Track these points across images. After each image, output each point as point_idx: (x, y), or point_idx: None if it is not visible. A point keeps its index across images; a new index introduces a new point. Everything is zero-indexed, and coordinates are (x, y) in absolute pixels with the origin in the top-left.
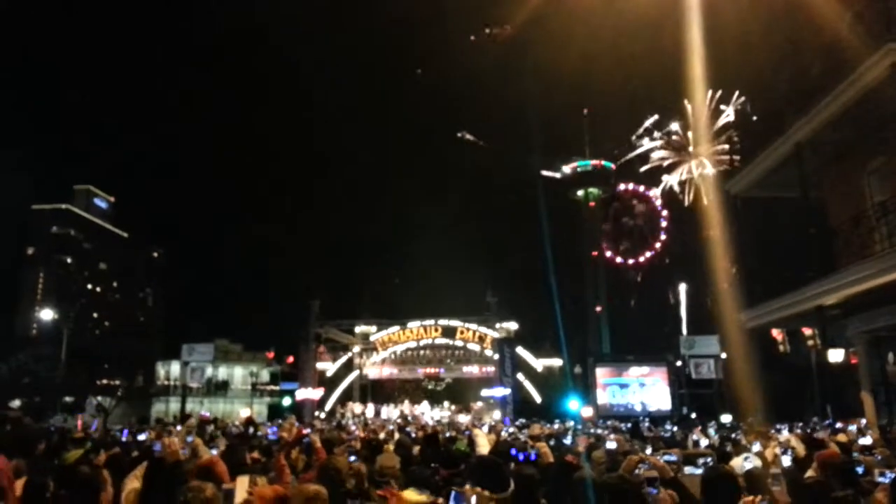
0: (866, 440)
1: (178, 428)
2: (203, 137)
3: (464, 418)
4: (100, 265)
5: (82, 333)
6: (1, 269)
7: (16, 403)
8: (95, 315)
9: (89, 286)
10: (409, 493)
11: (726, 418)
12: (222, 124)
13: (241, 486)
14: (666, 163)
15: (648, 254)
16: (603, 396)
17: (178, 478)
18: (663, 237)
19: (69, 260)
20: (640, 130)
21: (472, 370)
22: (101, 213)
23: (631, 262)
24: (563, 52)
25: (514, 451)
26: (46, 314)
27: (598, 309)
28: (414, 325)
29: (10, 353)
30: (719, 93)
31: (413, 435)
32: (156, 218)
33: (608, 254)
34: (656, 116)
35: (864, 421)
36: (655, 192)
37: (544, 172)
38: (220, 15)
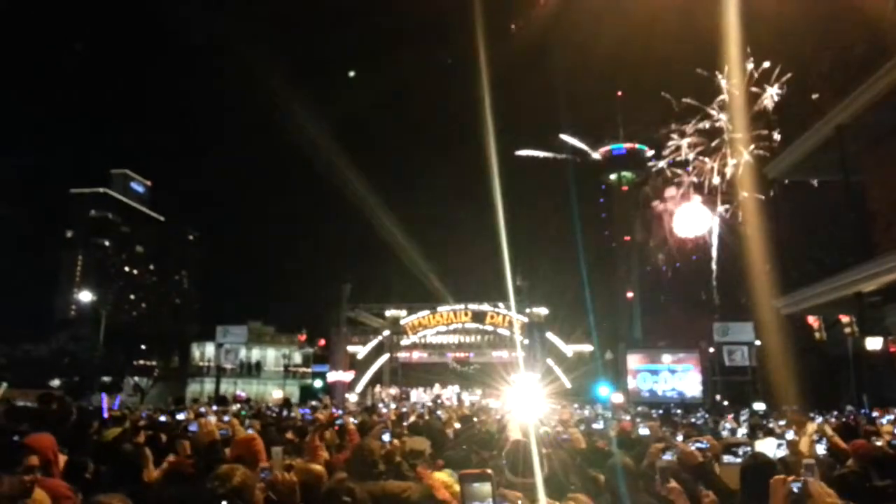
0: None
1: (215, 408)
2: (237, 122)
3: (494, 403)
4: (137, 248)
5: (119, 315)
6: (41, 252)
7: (55, 383)
8: (132, 297)
9: (126, 269)
10: (442, 474)
11: (759, 406)
12: (256, 109)
13: (276, 458)
14: (696, 150)
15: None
16: (633, 383)
17: (216, 456)
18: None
19: (107, 243)
20: (673, 124)
21: (502, 355)
22: (138, 197)
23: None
24: (597, 34)
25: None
26: (85, 296)
27: (630, 295)
28: (444, 309)
29: (50, 334)
30: (756, 75)
31: (442, 417)
32: (191, 201)
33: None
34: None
35: None
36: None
37: (523, 153)
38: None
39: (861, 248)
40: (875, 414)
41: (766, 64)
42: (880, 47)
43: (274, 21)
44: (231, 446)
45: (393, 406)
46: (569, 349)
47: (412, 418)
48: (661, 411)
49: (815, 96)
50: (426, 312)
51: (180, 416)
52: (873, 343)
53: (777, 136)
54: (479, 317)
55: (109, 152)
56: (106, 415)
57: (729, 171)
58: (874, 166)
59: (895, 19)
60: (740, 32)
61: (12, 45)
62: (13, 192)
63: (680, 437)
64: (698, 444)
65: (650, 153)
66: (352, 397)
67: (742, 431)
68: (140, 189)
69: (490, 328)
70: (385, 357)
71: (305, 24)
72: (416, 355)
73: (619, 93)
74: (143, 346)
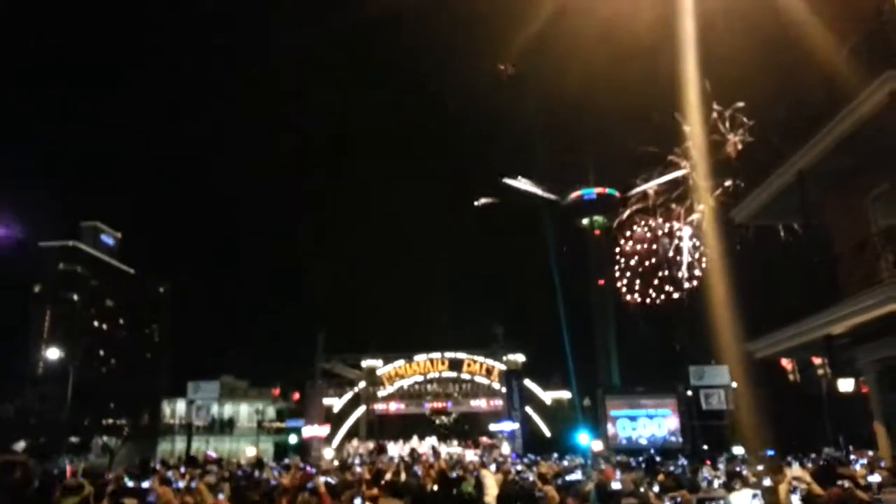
0: (875, 478)
1: (183, 470)
2: (207, 174)
3: (471, 455)
4: (106, 302)
5: (88, 372)
6: (8, 308)
7: (20, 445)
8: (102, 353)
9: (95, 323)
10: None
11: (738, 450)
12: (227, 160)
13: None
14: (661, 198)
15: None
16: (613, 429)
17: None
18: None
19: (76, 297)
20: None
21: (480, 404)
22: (107, 249)
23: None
24: (565, 82)
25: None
26: (52, 353)
27: (606, 339)
28: (420, 358)
29: (16, 392)
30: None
31: (419, 473)
32: (162, 254)
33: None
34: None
35: (871, 453)
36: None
37: (508, 181)
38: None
39: (829, 291)
40: (852, 456)
41: (729, 111)
42: (836, 95)
43: (241, 74)
44: None
45: (368, 461)
46: (547, 396)
47: (388, 475)
48: (640, 459)
49: (775, 142)
50: (402, 362)
51: (145, 485)
52: (845, 385)
53: (734, 183)
54: (456, 365)
55: (78, 204)
56: (68, 480)
57: (695, 216)
58: (836, 211)
59: (850, 69)
60: (700, 80)
61: None
62: None
63: (656, 488)
64: (673, 502)
65: (619, 196)
66: (328, 452)
67: (720, 480)
68: (110, 241)
69: (467, 377)
70: (361, 409)
71: (281, 67)
72: (394, 406)
73: (589, 139)
74: (112, 405)
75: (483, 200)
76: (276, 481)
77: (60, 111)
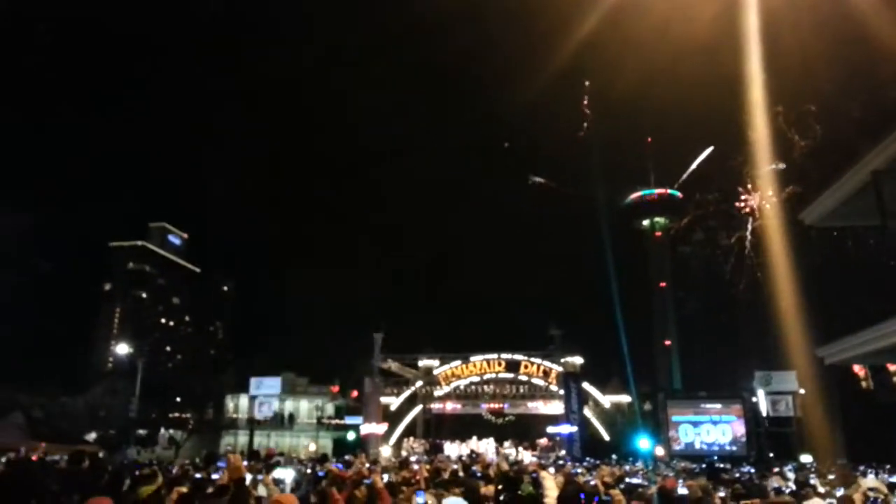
0: None
1: (246, 463)
2: (272, 175)
3: (528, 456)
4: (173, 300)
5: (155, 367)
6: (80, 305)
7: (91, 436)
8: (168, 349)
9: (163, 320)
10: None
11: (806, 458)
12: (289, 161)
13: None
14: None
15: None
16: (675, 435)
17: (243, 495)
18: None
19: (144, 295)
20: (694, 166)
21: (538, 406)
22: (174, 249)
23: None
24: (622, 81)
25: (582, 496)
26: (122, 348)
27: (668, 343)
28: (477, 358)
29: (87, 386)
30: (784, 119)
31: (479, 474)
32: (227, 253)
33: None
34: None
35: None
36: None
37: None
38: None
39: None
40: None
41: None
42: None
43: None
44: None
45: (425, 460)
46: (606, 399)
47: (445, 475)
48: (703, 465)
49: (848, 140)
50: (459, 362)
51: (215, 476)
52: None
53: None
54: (512, 366)
55: (147, 205)
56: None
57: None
58: None
59: None
60: (764, 77)
61: (51, 93)
62: (54, 246)
63: (722, 493)
64: None
65: (682, 198)
66: (385, 450)
67: (789, 489)
68: (177, 241)
69: (525, 378)
70: (418, 408)
71: (331, 71)
72: (450, 406)
73: (649, 139)
74: (178, 399)
75: (537, 179)
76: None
77: (130, 115)
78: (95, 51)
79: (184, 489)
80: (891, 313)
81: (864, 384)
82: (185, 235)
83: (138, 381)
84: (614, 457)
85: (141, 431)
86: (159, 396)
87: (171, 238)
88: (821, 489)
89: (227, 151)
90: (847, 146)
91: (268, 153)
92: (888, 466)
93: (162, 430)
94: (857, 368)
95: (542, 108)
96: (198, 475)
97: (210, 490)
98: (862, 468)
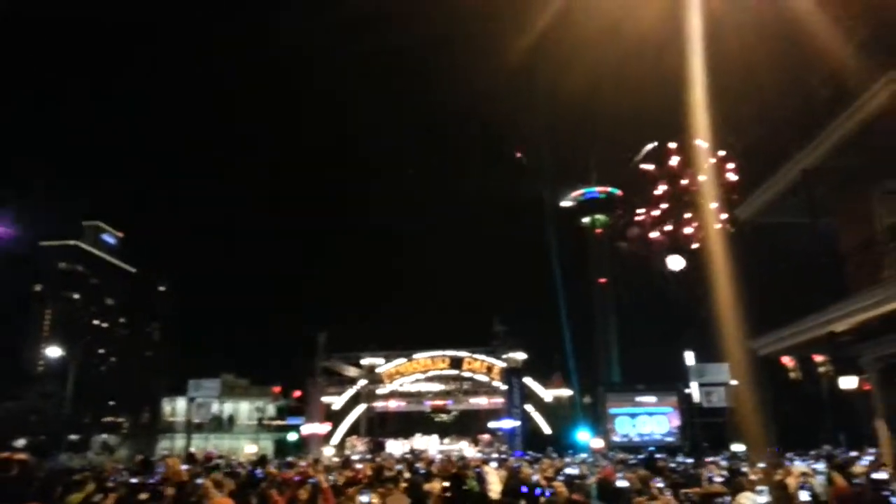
0: (881, 475)
1: (185, 467)
2: (209, 174)
3: (471, 452)
4: (107, 301)
5: (88, 370)
6: (8, 306)
7: (20, 442)
8: (102, 351)
9: (96, 322)
10: None
11: (739, 447)
12: (227, 160)
13: None
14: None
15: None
16: (612, 427)
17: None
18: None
19: (76, 296)
20: (640, 156)
21: (481, 402)
22: (108, 248)
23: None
24: (569, 78)
25: (524, 489)
26: (53, 351)
27: (608, 337)
28: (421, 356)
29: (17, 390)
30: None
31: (422, 471)
32: (163, 253)
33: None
34: (655, 143)
35: (875, 450)
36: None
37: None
38: (226, 47)
39: (833, 289)
40: (853, 453)
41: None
42: (843, 91)
43: (243, 72)
44: None
45: (367, 458)
46: (548, 394)
47: (390, 473)
48: (640, 457)
49: (780, 140)
50: (403, 360)
51: (151, 481)
52: (847, 382)
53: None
54: (456, 363)
55: (80, 204)
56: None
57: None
58: (841, 208)
59: (854, 68)
60: (706, 78)
61: None
62: None
63: (660, 483)
64: (686, 498)
65: (622, 196)
66: (328, 450)
67: (722, 476)
68: (111, 241)
69: (468, 374)
70: (362, 407)
71: (284, 63)
72: (394, 404)
73: (592, 138)
74: (112, 402)
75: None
76: (262, 474)
77: (61, 111)
78: (28, 41)
79: (118, 495)
80: (818, 307)
81: (792, 375)
82: (120, 234)
83: (70, 385)
84: (550, 449)
85: (73, 436)
86: (93, 400)
87: (105, 237)
88: (752, 476)
89: (164, 148)
90: (781, 145)
91: (207, 151)
92: (813, 453)
93: (95, 435)
94: (786, 360)
95: (491, 105)
96: (133, 480)
97: (144, 496)
98: (790, 455)
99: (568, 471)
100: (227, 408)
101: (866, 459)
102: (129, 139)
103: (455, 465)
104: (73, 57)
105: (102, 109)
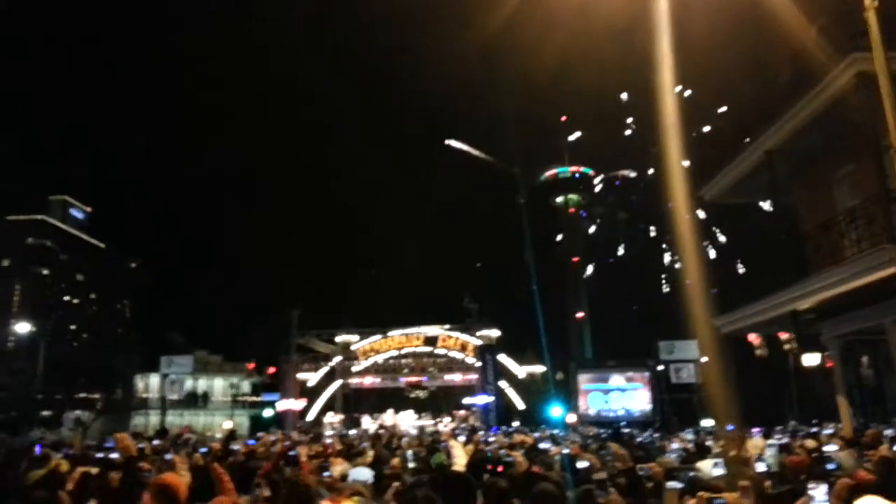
0: (830, 447)
1: (156, 442)
2: (179, 146)
3: (445, 427)
4: (77, 276)
5: (59, 346)
6: None
7: None
8: (73, 327)
9: (66, 298)
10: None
11: (708, 423)
12: (198, 134)
13: None
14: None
15: None
16: (585, 403)
17: (134, 476)
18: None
19: (45, 272)
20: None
21: (455, 378)
22: (77, 223)
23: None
24: (540, 58)
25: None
26: (22, 327)
27: (580, 315)
28: (395, 333)
29: None
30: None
31: (392, 446)
32: (133, 228)
33: None
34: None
35: (839, 425)
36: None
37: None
38: (194, 16)
39: (795, 268)
40: (814, 429)
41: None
42: (805, 74)
43: (212, 49)
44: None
45: (339, 434)
46: (521, 370)
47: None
48: (609, 431)
49: (745, 121)
50: (378, 337)
51: (114, 455)
52: (810, 359)
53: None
54: (430, 340)
55: (47, 178)
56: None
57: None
58: (803, 190)
59: (817, 50)
60: (673, 60)
61: None
62: None
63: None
64: (641, 472)
65: (593, 175)
66: (303, 426)
67: (689, 452)
68: (80, 215)
69: (442, 351)
70: (337, 383)
71: (251, 38)
72: (369, 381)
73: (563, 118)
74: (83, 379)
75: (457, 144)
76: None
77: (27, 81)
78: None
79: (86, 469)
80: (781, 286)
81: (758, 352)
82: (89, 209)
83: (41, 361)
84: (515, 424)
85: (45, 413)
86: (64, 376)
87: (74, 212)
88: (715, 450)
89: (134, 121)
90: (744, 127)
91: (177, 123)
92: (779, 428)
93: (67, 412)
94: (752, 337)
95: (463, 84)
96: (99, 455)
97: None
98: (752, 430)
99: (542, 445)
100: (201, 384)
101: (826, 433)
102: (97, 112)
103: (425, 441)
104: (42, 28)
105: (68, 79)
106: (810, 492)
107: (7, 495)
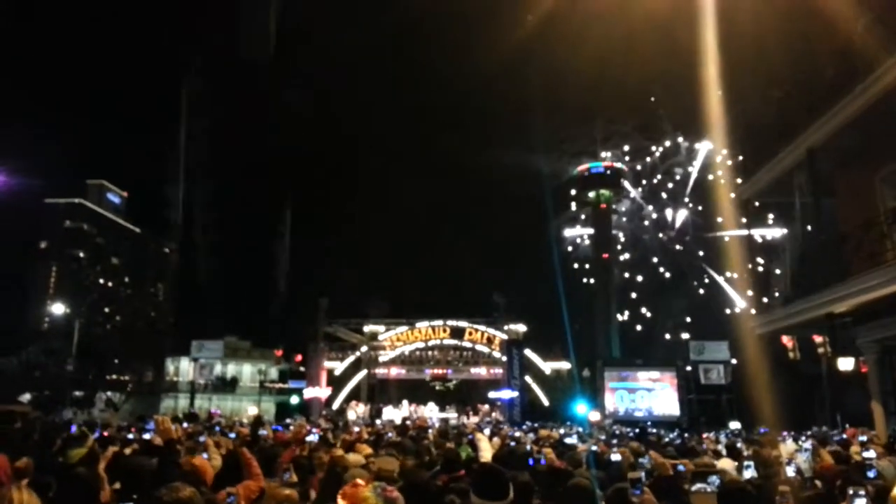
0: (869, 453)
1: (186, 425)
2: (216, 132)
3: (469, 421)
4: (112, 260)
5: (93, 328)
6: (13, 263)
7: (26, 397)
8: (107, 310)
9: (101, 281)
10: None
11: (735, 425)
12: (233, 123)
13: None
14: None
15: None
16: (611, 401)
17: (172, 457)
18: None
19: (81, 254)
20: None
21: (480, 372)
22: (113, 207)
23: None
24: (577, 53)
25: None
26: (58, 308)
27: (609, 312)
28: (422, 325)
29: (21, 346)
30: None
31: (419, 437)
32: (168, 213)
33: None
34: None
35: (873, 432)
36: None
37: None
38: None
39: (833, 270)
40: (846, 434)
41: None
42: (850, 71)
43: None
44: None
45: (365, 423)
46: (547, 366)
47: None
48: (637, 430)
49: (787, 118)
50: (405, 328)
51: (147, 437)
52: (845, 363)
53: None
54: (457, 333)
55: (85, 162)
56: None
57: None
58: (844, 188)
59: (865, 45)
60: (716, 54)
61: None
62: None
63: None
64: (678, 467)
65: (626, 171)
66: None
67: (720, 452)
68: (116, 200)
69: (469, 345)
70: (363, 373)
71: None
72: (395, 371)
73: (599, 113)
74: (116, 361)
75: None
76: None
77: (70, 69)
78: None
79: (116, 448)
80: (817, 287)
81: (791, 355)
82: (125, 194)
83: (74, 342)
84: (548, 423)
85: (77, 393)
86: (97, 357)
87: (111, 196)
88: (746, 453)
89: (171, 108)
90: (787, 123)
91: (214, 112)
92: (808, 433)
93: (99, 393)
94: (785, 340)
95: (499, 79)
96: (130, 436)
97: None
98: (783, 434)
99: (568, 440)
100: (231, 369)
101: (861, 439)
102: (136, 99)
103: (450, 433)
104: (80, 7)
105: (110, 68)
106: (854, 500)
107: (45, 472)
